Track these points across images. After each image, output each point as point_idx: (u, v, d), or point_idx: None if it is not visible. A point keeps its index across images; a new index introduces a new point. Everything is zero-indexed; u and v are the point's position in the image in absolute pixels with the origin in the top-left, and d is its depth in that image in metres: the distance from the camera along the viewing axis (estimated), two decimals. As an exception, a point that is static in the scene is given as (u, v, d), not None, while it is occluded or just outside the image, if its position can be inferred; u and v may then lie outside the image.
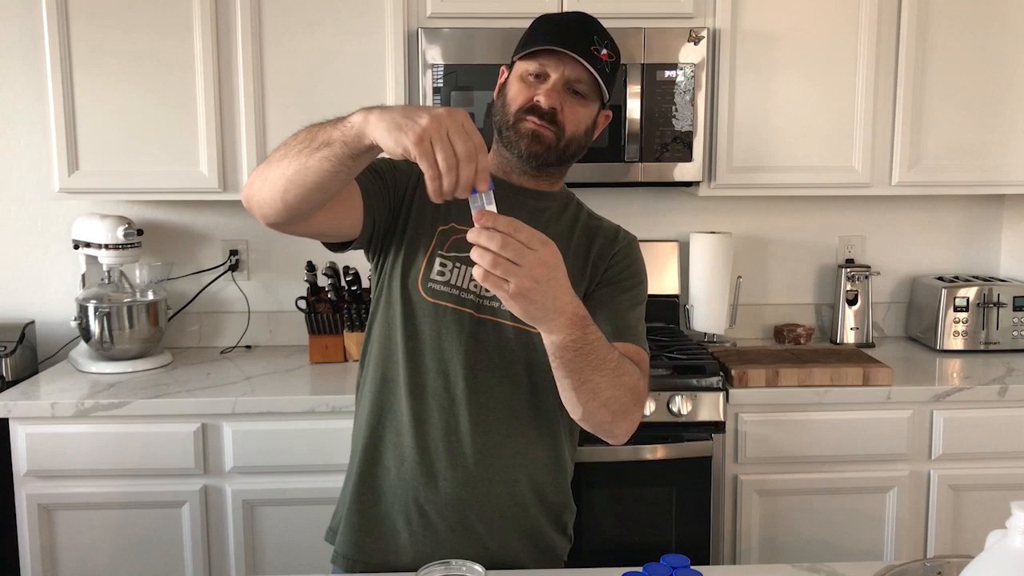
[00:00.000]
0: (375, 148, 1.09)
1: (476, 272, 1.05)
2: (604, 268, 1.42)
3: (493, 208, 1.05)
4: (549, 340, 1.17)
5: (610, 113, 1.46)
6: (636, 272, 1.45)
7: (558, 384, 1.25)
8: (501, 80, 1.43)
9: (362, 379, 1.45)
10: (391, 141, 1.03)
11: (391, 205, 1.38)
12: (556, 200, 1.46)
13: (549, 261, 1.08)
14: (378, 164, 1.38)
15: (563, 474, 1.45)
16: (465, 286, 1.36)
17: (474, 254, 1.04)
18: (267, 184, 1.20)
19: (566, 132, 1.36)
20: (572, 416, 1.30)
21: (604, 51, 1.35)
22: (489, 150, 1.45)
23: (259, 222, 1.27)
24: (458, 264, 1.36)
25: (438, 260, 1.37)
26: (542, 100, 1.34)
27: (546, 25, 1.39)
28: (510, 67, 1.42)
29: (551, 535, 1.43)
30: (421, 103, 2.37)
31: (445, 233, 1.38)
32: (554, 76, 1.34)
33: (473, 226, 1.04)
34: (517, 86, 1.37)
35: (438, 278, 1.36)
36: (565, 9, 2.37)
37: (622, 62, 2.38)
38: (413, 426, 1.35)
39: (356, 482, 1.42)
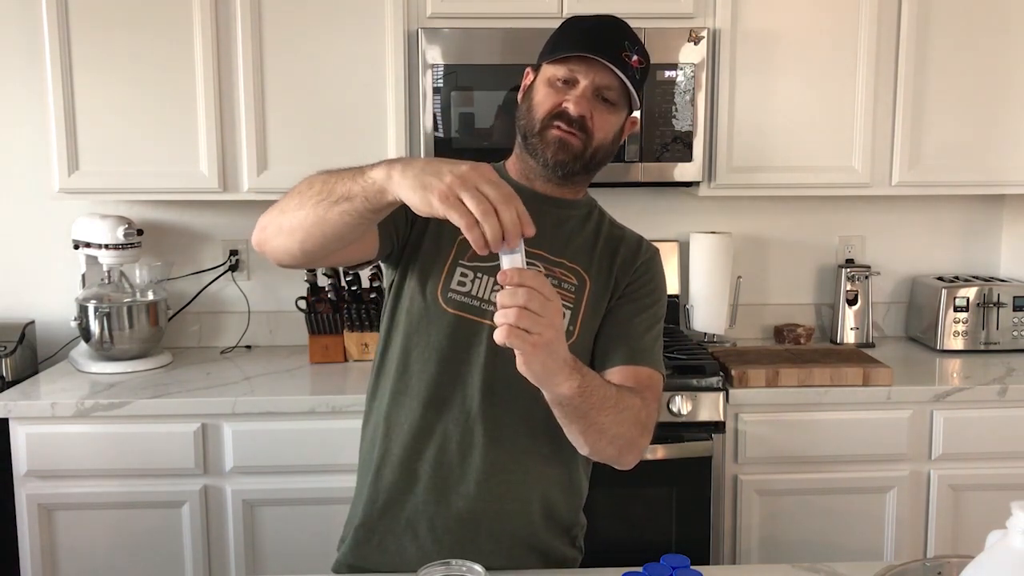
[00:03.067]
0: (398, 202, 1.06)
1: (500, 334, 1.03)
2: (625, 283, 1.40)
3: (522, 258, 1.03)
4: (555, 394, 1.16)
5: (637, 118, 1.42)
6: (655, 288, 1.42)
7: (564, 429, 1.24)
8: (527, 82, 1.39)
9: (374, 388, 1.42)
10: (418, 200, 1.00)
11: (408, 219, 1.35)
12: (579, 209, 1.44)
13: (560, 308, 1.08)
14: None
15: (576, 493, 1.43)
16: (486, 297, 1.33)
17: (498, 316, 1.03)
18: (282, 233, 1.19)
19: (594, 140, 1.33)
20: (580, 452, 1.29)
21: (635, 57, 1.31)
22: (511, 154, 1.44)
23: (271, 261, 1.27)
24: (479, 275, 1.33)
25: (459, 270, 1.33)
26: (571, 107, 1.30)
27: (576, 29, 1.35)
28: (536, 69, 1.38)
29: (561, 550, 1.41)
30: (421, 103, 2.37)
31: (466, 242, 1.34)
32: (584, 82, 1.30)
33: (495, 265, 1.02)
34: (544, 91, 1.33)
35: (459, 288, 1.33)
36: (565, 11, 2.37)
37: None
38: (427, 440, 1.33)
39: (366, 497, 1.39)
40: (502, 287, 1.03)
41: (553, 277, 1.35)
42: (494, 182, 0.99)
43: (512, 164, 1.44)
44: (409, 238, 1.36)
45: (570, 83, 1.31)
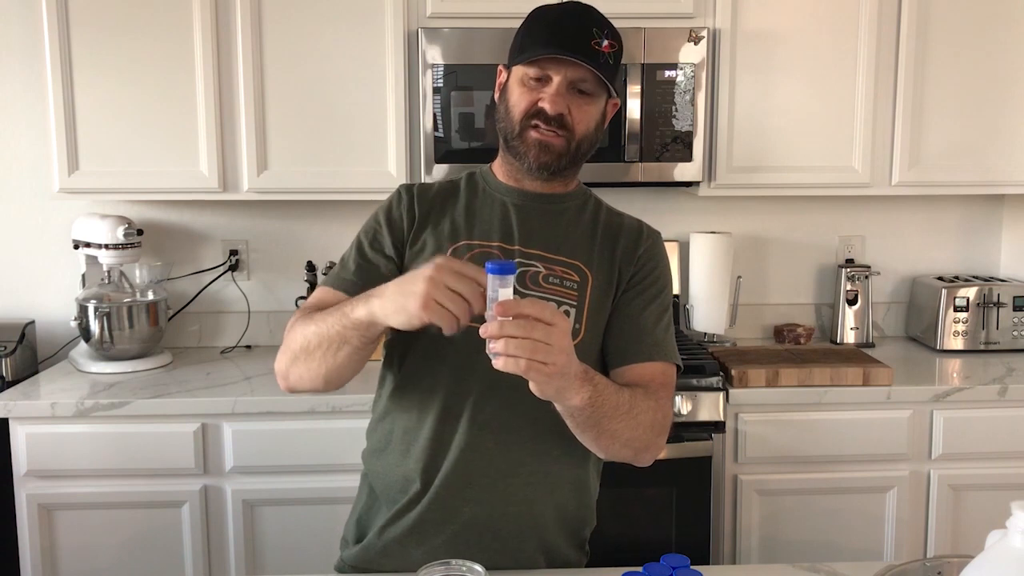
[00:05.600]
0: (388, 327, 1.15)
1: (511, 364, 1.05)
2: (630, 273, 1.39)
3: (511, 290, 1.06)
4: (566, 407, 1.18)
5: (618, 101, 1.40)
6: (660, 275, 1.41)
7: (577, 436, 1.26)
8: (500, 81, 1.38)
9: (379, 401, 1.42)
10: (404, 321, 1.10)
11: (396, 253, 1.38)
12: (573, 200, 1.43)
13: (567, 329, 1.10)
14: (372, 254, 1.37)
15: (587, 493, 1.42)
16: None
17: (505, 345, 1.05)
18: (304, 381, 1.31)
19: (576, 134, 1.32)
20: (595, 454, 1.32)
21: (605, 42, 1.29)
22: (497, 156, 1.43)
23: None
24: None
25: None
26: (547, 107, 1.29)
27: (542, 23, 1.32)
28: (508, 67, 1.36)
29: (567, 552, 1.41)
30: (421, 103, 2.37)
31: (459, 251, 1.34)
32: (556, 79, 1.29)
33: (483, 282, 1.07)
34: (519, 91, 1.32)
35: None
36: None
37: (623, 61, 2.38)
38: (441, 451, 1.31)
39: (375, 508, 1.39)
40: (495, 317, 1.05)
41: (554, 275, 1.34)
42: (456, 271, 1.08)
43: (498, 166, 1.43)
44: (401, 269, 1.36)
45: (543, 80, 1.30)
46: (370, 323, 1.15)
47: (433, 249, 1.35)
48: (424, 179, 2.37)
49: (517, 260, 1.34)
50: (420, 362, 1.34)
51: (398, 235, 1.37)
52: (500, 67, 1.39)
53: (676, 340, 2.50)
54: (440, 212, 1.38)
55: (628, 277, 1.39)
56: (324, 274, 2.54)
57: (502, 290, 1.05)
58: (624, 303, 1.38)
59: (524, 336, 1.04)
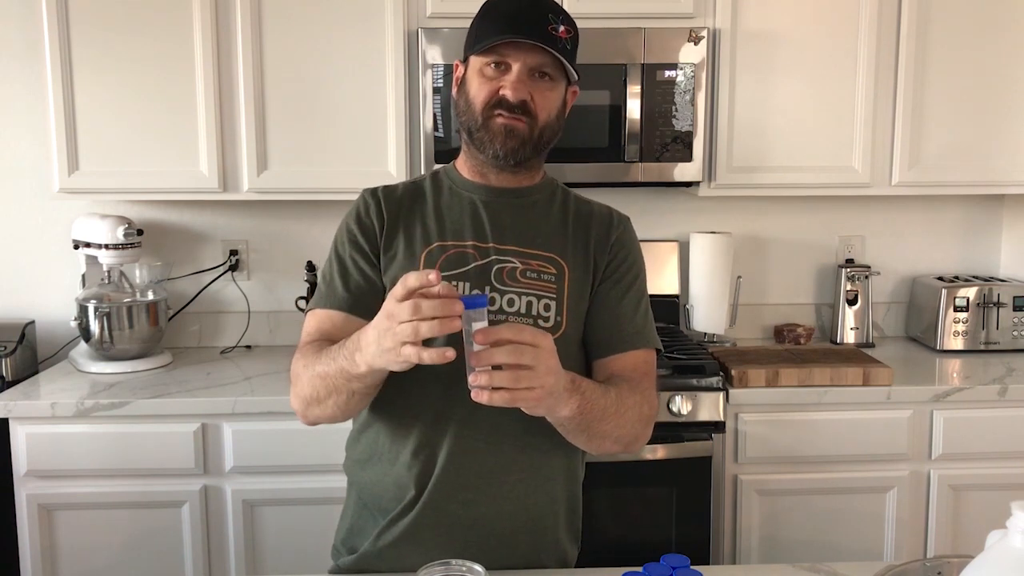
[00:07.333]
0: (384, 370, 1.14)
1: (498, 397, 1.05)
2: (605, 262, 1.39)
3: (485, 322, 1.05)
4: (556, 417, 1.19)
5: (577, 89, 1.40)
6: (634, 261, 1.42)
7: (568, 439, 1.28)
8: (457, 75, 1.37)
9: (368, 414, 1.40)
10: (393, 366, 1.09)
11: (375, 274, 1.36)
12: (540, 192, 1.42)
13: (552, 348, 1.09)
14: (354, 264, 1.35)
15: (576, 482, 1.43)
16: None
17: (490, 379, 1.04)
18: (323, 420, 1.30)
19: (539, 120, 1.32)
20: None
21: (562, 28, 1.29)
22: (459, 154, 1.43)
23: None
24: (454, 283, 1.31)
25: None
26: (509, 94, 1.29)
27: (497, 13, 1.32)
28: (464, 60, 1.36)
29: (564, 545, 1.41)
30: (421, 103, 2.37)
31: (433, 253, 1.33)
32: (516, 66, 1.29)
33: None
34: (479, 81, 1.31)
35: None
36: (565, 7, 2.35)
37: (623, 62, 2.37)
38: (431, 457, 1.31)
39: (356, 512, 1.39)
40: (479, 346, 1.05)
41: (531, 269, 1.34)
42: (419, 305, 1.03)
43: (462, 163, 1.42)
44: (381, 274, 1.36)
45: (502, 67, 1.30)
46: (368, 371, 1.15)
47: (406, 254, 1.34)
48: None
49: (492, 258, 1.34)
50: (410, 376, 1.30)
51: (372, 241, 1.37)
52: (456, 62, 1.39)
53: (676, 339, 2.52)
54: (409, 214, 1.37)
55: (604, 266, 1.39)
56: (307, 281, 2.54)
57: (475, 323, 1.05)
58: (602, 293, 1.38)
59: (514, 361, 1.04)
